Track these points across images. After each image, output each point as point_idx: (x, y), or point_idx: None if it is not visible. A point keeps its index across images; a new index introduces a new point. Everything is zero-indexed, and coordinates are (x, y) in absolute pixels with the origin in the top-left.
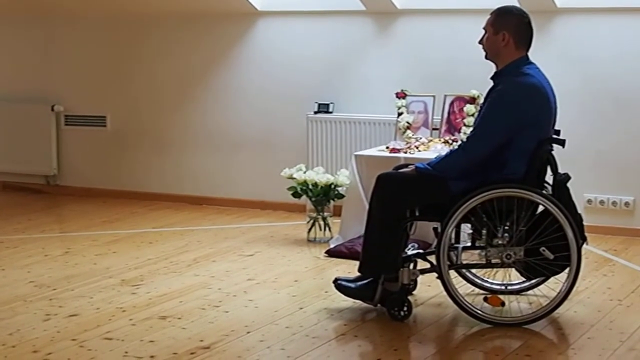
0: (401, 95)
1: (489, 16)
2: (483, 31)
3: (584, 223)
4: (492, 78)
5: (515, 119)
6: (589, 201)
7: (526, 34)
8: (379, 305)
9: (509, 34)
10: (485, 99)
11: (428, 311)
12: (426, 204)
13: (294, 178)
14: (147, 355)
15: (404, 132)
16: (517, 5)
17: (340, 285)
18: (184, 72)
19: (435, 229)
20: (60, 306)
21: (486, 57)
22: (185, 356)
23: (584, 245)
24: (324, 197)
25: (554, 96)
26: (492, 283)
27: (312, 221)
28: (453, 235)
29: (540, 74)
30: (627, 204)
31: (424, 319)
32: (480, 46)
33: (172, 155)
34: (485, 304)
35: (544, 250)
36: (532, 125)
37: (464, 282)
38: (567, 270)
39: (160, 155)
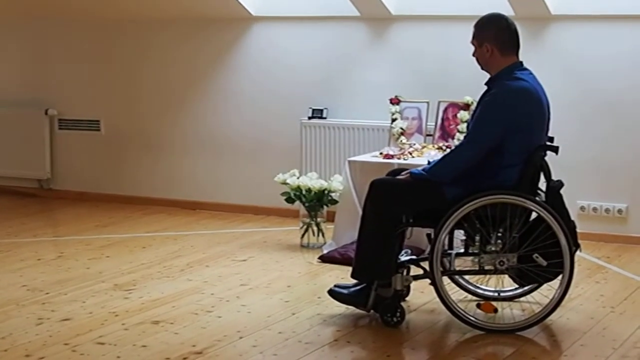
0: (395, 101)
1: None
2: (471, 44)
3: (577, 230)
4: (486, 84)
5: (508, 122)
6: (582, 208)
7: (509, 39)
8: (372, 311)
9: (491, 45)
10: (479, 103)
11: (421, 317)
12: (420, 210)
13: (288, 183)
14: None
15: (398, 138)
16: (511, 10)
17: (333, 291)
18: (178, 77)
19: (428, 235)
20: (52, 310)
21: (482, 69)
22: None
23: (577, 252)
24: (317, 202)
25: (548, 102)
26: (485, 289)
27: (305, 227)
28: (446, 242)
29: (533, 79)
30: (620, 211)
31: (417, 325)
32: (475, 59)
33: (166, 160)
34: (478, 311)
35: (537, 257)
36: (525, 130)
37: (457, 288)
38: (560, 277)
39: (154, 159)
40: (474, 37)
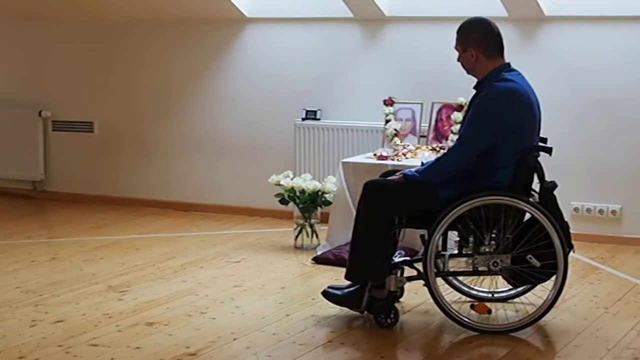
0: (389, 102)
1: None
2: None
3: (571, 231)
4: (475, 87)
5: (499, 124)
6: (576, 209)
7: (492, 43)
8: (365, 312)
9: (475, 49)
10: (469, 106)
11: (415, 318)
12: (413, 211)
13: (282, 185)
14: None
15: (392, 140)
16: (505, 11)
17: (327, 292)
18: (172, 79)
19: (422, 236)
20: (46, 312)
21: (467, 73)
22: None
23: (571, 253)
24: (311, 204)
25: (538, 102)
26: (478, 291)
27: (299, 228)
28: (440, 243)
29: (522, 80)
30: (613, 212)
31: (411, 326)
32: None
33: (159, 161)
34: (472, 312)
35: (530, 258)
36: (517, 131)
37: (451, 289)
38: (553, 278)
39: (147, 161)
40: (457, 43)
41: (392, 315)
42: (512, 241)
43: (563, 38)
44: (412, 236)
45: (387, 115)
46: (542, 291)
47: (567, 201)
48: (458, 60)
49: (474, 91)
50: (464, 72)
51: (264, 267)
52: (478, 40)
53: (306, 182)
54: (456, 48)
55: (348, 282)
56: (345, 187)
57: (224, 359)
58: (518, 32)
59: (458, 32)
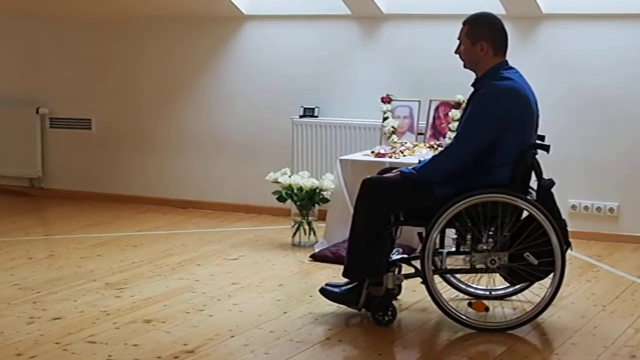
0: (386, 99)
1: (462, 26)
2: (458, 41)
3: (569, 229)
4: (473, 85)
5: (497, 121)
6: (574, 207)
7: (502, 40)
8: (363, 309)
9: (486, 43)
10: (467, 104)
11: (412, 316)
12: (411, 209)
13: (279, 182)
14: (131, 358)
15: (389, 137)
16: (502, 9)
17: (324, 290)
18: (170, 76)
19: (419, 233)
20: (44, 309)
21: (465, 66)
22: None
23: (568, 251)
24: (308, 201)
25: (536, 100)
26: (476, 288)
27: (296, 225)
28: (437, 240)
29: (520, 78)
30: (611, 209)
31: (409, 323)
32: (457, 55)
33: (157, 159)
34: (470, 309)
35: (528, 256)
36: (515, 129)
37: (449, 287)
38: (551, 276)
39: (145, 158)
40: (465, 35)
41: (389, 313)
42: (509, 239)
43: (561, 36)
44: (409, 234)
45: (384, 112)
46: (539, 289)
47: (564, 199)
48: (456, 52)
49: (472, 89)
50: (462, 69)
51: (262, 265)
52: (490, 35)
53: (304, 180)
54: (460, 39)
55: (346, 280)
56: (343, 184)
57: (222, 356)
58: (516, 29)
59: (469, 24)
